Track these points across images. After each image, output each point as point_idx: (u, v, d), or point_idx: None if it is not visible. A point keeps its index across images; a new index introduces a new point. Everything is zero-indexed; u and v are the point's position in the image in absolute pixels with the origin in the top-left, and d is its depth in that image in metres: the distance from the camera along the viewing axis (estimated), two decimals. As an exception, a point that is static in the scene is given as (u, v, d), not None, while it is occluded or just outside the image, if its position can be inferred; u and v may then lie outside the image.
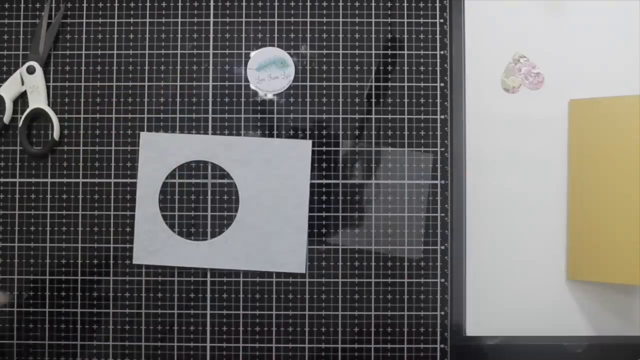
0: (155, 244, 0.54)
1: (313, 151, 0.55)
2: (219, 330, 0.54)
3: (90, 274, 0.54)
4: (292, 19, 0.56)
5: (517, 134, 0.56)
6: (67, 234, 0.55)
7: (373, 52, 0.56)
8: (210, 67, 0.56)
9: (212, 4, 0.56)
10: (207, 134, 0.55)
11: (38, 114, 0.54)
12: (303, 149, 0.55)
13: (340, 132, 0.55)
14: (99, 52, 0.56)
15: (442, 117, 0.55)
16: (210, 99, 0.55)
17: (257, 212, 0.54)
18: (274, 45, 0.56)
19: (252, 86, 0.56)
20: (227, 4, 0.56)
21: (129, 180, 0.55)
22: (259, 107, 0.55)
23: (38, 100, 0.54)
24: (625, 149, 0.52)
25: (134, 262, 0.54)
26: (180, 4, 0.56)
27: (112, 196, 0.55)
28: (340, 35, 0.56)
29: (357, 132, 0.55)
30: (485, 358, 0.55)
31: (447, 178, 0.55)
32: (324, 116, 0.55)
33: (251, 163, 0.54)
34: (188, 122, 0.55)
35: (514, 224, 0.56)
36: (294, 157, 0.54)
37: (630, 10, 0.57)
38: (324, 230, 0.55)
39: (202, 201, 0.55)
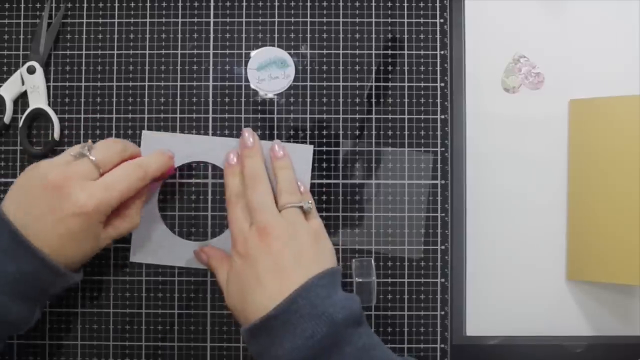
0: (155, 244, 0.54)
1: (313, 151, 0.55)
2: (219, 330, 0.54)
3: (90, 274, 0.54)
4: (292, 19, 0.56)
5: (517, 134, 0.56)
6: (67, 233, 0.54)
7: (373, 52, 0.56)
8: (211, 67, 0.56)
9: (212, 4, 0.56)
10: (208, 134, 0.55)
11: (38, 114, 0.54)
12: (304, 153, 0.54)
13: (341, 132, 0.55)
14: (99, 52, 0.56)
15: (442, 117, 0.55)
16: (211, 99, 0.55)
17: (257, 212, 0.54)
18: (274, 45, 0.56)
19: (252, 86, 0.56)
20: (227, 4, 0.56)
21: (129, 180, 0.55)
22: (259, 107, 0.55)
23: (38, 100, 0.54)
24: (625, 149, 0.52)
25: (134, 261, 0.54)
26: (180, 4, 0.56)
27: (113, 196, 0.55)
28: (341, 35, 0.56)
29: (357, 132, 0.55)
30: (485, 358, 0.55)
31: (447, 178, 0.55)
32: (324, 116, 0.55)
33: (251, 163, 0.54)
34: (188, 122, 0.55)
35: (514, 223, 0.56)
36: (295, 160, 0.53)
37: (630, 11, 0.57)
38: (324, 230, 0.55)
39: (202, 201, 0.55)
